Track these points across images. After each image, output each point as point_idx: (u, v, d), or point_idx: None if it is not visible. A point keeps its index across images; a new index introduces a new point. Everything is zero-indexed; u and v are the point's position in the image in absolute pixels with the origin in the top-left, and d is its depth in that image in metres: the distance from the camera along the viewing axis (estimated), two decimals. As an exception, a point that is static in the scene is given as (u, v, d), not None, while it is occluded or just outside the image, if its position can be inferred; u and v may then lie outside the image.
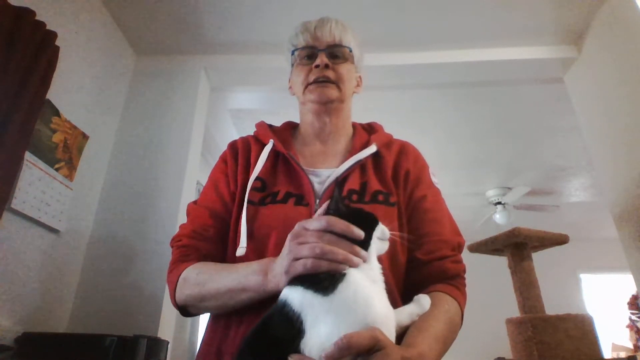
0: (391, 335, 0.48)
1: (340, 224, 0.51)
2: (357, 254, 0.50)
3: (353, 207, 0.60)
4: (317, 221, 0.53)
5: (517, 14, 2.05)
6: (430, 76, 2.37)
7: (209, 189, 0.78)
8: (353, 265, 0.49)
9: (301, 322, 0.47)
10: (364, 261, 0.50)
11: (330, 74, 0.78)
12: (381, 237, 0.56)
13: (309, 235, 0.52)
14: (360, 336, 0.43)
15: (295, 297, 0.48)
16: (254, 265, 0.61)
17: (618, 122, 1.94)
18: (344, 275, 0.48)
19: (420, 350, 0.51)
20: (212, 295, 0.64)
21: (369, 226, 0.55)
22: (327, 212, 0.56)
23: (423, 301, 0.60)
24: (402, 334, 0.55)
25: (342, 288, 0.47)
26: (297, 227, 0.55)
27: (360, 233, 0.51)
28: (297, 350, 0.46)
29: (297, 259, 0.51)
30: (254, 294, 0.59)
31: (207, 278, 0.65)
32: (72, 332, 1.65)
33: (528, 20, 2.09)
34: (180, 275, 0.68)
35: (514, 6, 2.00)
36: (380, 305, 0.48)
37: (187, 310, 0.69)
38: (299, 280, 0.50)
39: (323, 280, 0.48)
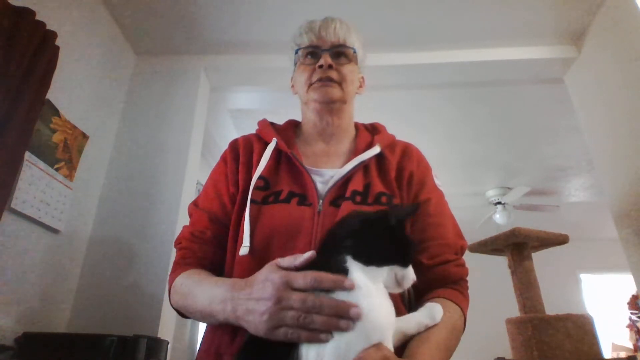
0: (387, 341, 0.49)
1: (328, 281, 0.48)
2: (345, 314, 0.46)
3: (404, 228, 0.56)
4: (303, 278, 0.49)
5: (517, 14, 2.05)
6: (430, 76, 2.37)
7: (209, 190, 0.78)
8: (341, 329, 0.46)
9: None
10: (351, 288, 0.47)
11: (333, 74, 0.78)
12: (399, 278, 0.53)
13: (292, 298, 0.49)
14: (371, 357, 0.45)
15: None
16: (221, 290, 0.59)
17: (618, 122, 1.94)
18: (345, 271, 0.49)
19: None
20: (190, 311, 0.66)
21: (400, 259, 0.53)
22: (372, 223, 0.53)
23: (434, 312, 0.58)
24: (407, 341, 0.56)
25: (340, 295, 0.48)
26: (279, 278, 0.50)
27: (351, 284, 0.47)
28: (296, 355, 0.47)
29: (278, 326, 0.49)
30: (222, 322, 0.58)
31: (187, 292, 0.66)
32: (72, 332, 1.65)
33: (528, 20, 2.09)
34: (174, 281, 0.70)
35: (514, 6, 2.00)
36: (379, 314, 0.48)
37: (182, 313, 0.71)
38: None
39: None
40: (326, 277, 0.48)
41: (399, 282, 0.53)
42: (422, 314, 0.58)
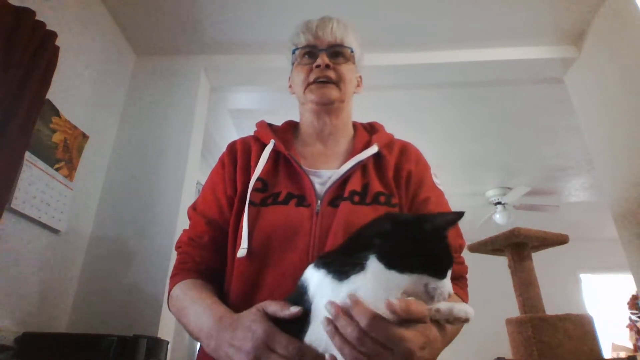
0: None
1: (309, 357, 0.47)
2: None
3: (445, 239, 0.51)
4: (285, 347, 0.48)
5: (517, 14, 2.05)
6: (430, 76, 2.37)
7: (207, 193, 0.78)
8: None
9: (309, 312, 0.48)
10: None
11: (330, 74, 0.78)
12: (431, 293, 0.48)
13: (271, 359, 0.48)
14: (419, 306, 0.45)
15: (314, 280, 0.50)
16: (209, 322, 0.58)
17: (618, 122, 1.94)
18: (362, 267, 0.47)
19: (434, 333, 0.51)
20: (184, 327, 0.66)
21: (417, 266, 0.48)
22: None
23: (456, 312, 0.50)
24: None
25: (352, 279, 0.47)
26: (262, 334, 0.49)
27: None
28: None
29: None
30: (207, 352, 0.59)
31: (181, 308, 0.66)
32: (72, 332, 1.65)
33: (528, 20, 2.09)
34: (173, 288, 0.71)
35: (514, 6, 2.00)
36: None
37: None
38: (324, 262, 0.51)
39: (345, 265, 0.48)
40: (310, 353, 0.47)
41: (429, 294, 0.48)
42: (440, 306, 0.51)
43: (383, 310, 0.44)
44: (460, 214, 0.50)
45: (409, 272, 0.47)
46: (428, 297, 0.48)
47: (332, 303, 0.45)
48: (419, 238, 0.48)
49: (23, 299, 1.47)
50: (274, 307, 0.51)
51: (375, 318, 0.43)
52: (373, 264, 0.47)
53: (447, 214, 0.50)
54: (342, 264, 0.48)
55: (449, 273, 0.50)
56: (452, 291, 0.50)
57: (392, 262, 0.46)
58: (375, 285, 0.46)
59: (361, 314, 0.43)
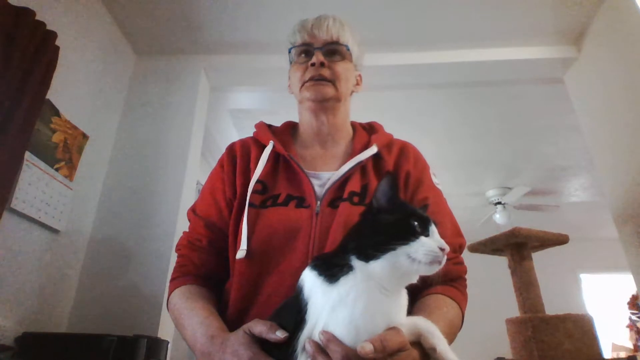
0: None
1: None
2: None
3: (402, 205, 0.52)
4: None
5: (517, 14, 2.05)
6: (430, 76, 2.37)
7: (206, 196, 0.78)
8: None
9: (305, 312, 0.48)
10: None
11: (326, 72, 0.78)
12: (414, 256, 0.46)
13: None
14: (396, 338, 0.45)
15: (308, 281, 0.50)
16: (202, 339, 0.59)
17: (618, 122, 1.94)
18: (350, 269, 0.48)
19: (413, 356, 0.51)
20: (181, 335, 0.66)
21: (396, 236, 0.47)
22: (371, 200, 0.52)
23: (446, 349, 0.51)
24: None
25: (342, 282, 0.47)
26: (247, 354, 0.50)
27: None
28: (297, 340, 0.48)
29: None
30: None
31: (177, 318, 0.67)
32: (72, 332, 1.65)
33: (528, 20, 2.09)
34: (172, 291, 0.71)
35: (514, 6, 2.01)
36: (367, 311, 0.46)
37: None
38: (316, 264, 0.51)
39: (333, 268, 0.49)
40: None
41: (420, 261, 0.45)
42: (422, 325, 0.53)
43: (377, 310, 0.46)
44: (389, 173, 0.53)
45: (382, 253, 0.46)
46: (422, 265, 0.46)
47: (310, 341, 0.46)
48: (376, 218, 0.50)
49: (23, 299, 1.47)
50: (259, 329, 0.51)
51: (348, 354, 0.43)
52: (357, 264, 0.48)
53: (381, 182, 0.51)
54: (330, 266, 0.49)
55: (432, 228, 0.49)
56: (446, 246, 0.47)
57: (368, 254, 0.47)
58: (367, 286, 0.47)
59: (335, 351, 0.44)
